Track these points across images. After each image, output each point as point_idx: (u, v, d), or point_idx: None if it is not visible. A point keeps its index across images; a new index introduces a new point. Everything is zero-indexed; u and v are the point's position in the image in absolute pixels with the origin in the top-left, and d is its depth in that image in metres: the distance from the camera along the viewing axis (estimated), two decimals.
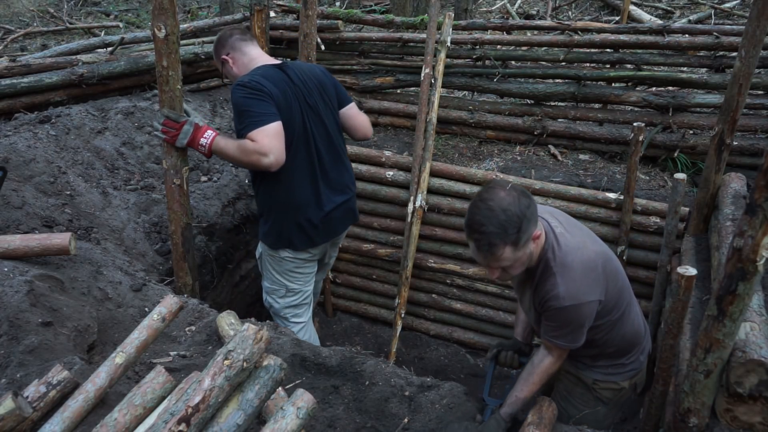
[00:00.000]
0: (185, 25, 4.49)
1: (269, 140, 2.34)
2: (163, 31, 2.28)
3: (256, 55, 2.66)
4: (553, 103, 4.31)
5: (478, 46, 4.27)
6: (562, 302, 1.85)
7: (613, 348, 2.13)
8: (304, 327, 2.98)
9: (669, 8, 8.07)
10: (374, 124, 4.70)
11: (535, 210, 1.80)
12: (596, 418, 2.24)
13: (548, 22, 4.31)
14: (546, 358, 2.01)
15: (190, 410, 1.23)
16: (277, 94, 2.45)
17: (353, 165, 3.36)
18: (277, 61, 2.69)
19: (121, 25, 8.39)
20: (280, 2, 5.05)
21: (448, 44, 3.95)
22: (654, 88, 4.02)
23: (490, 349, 2.35)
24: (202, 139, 2.46)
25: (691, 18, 7.42)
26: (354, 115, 2.86)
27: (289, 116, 2.49)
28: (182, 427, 1.21)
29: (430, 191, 3.82)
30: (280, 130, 2.40)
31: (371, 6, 9.00)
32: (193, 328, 2.17)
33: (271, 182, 2.57)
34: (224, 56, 2.62)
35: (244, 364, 1.30)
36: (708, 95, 3.84)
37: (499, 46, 4.28)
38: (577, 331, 1.93)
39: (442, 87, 4.01)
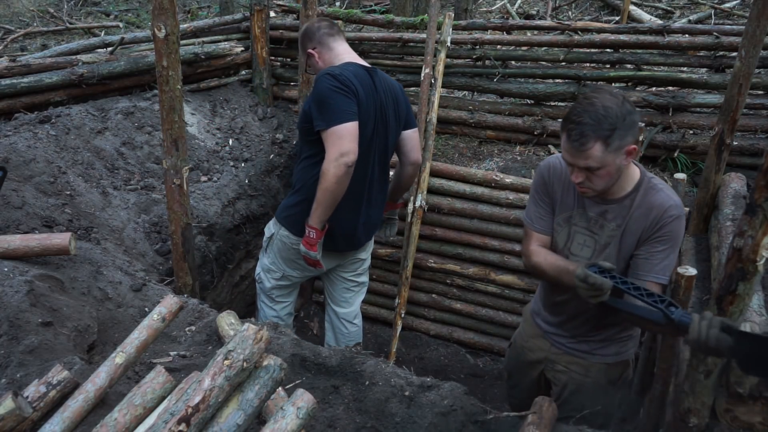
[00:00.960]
0: (185, 25, 4.49)
1: (347, 142, 2.35)
2: (163, 31, 2.28)
3: (342, 51, 2.66)
4: (553, 103, 4.31)
5: (478, 46, 4.27)
6: (680, 209, 1.85)
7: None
8: (287, 306, 3.06)
9: (669, 8, 8.07)
10: None
11: (636, 121, 1.79)
12: (609, 402, 2.22)
13: (548, 22, 4.31)
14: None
15: (190, 410, 1.23)
16: (362, 96, 2.46)
17: None
18: (365, 64, 2.67)
19: (121, 25, 8.39)
20: (280, 2, 5.05)
21: (448, 44, 3.95)
22: (654, 88, 4.02)
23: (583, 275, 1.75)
24: (312, 239, 2.55)
25: (691, 18, 7.42)
26: (414, 137, 2.85)
27: (365, 122, 2.50)
28: (182, 427, 1.21)
29: (430, 191, 3.82)
30: (356, 130, 2.41)
31: (371, 6, 9.00)
32: (193, 328, 2.17)
33: (320, 169, 2.46)
34: (310, 50, 2.63)
35: (244, 364, 1.30)
36: (708, 95, 3.84)
37: (499, 46, 4.28)
38: (677, 255, 1.91)
39: (442, 87, 4.01)
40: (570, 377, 2.24)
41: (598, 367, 2.18)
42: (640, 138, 3.10)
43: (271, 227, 2.89)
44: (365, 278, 3.17)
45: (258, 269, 3.02)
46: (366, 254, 3.05)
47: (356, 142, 2.39)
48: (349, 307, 3.18)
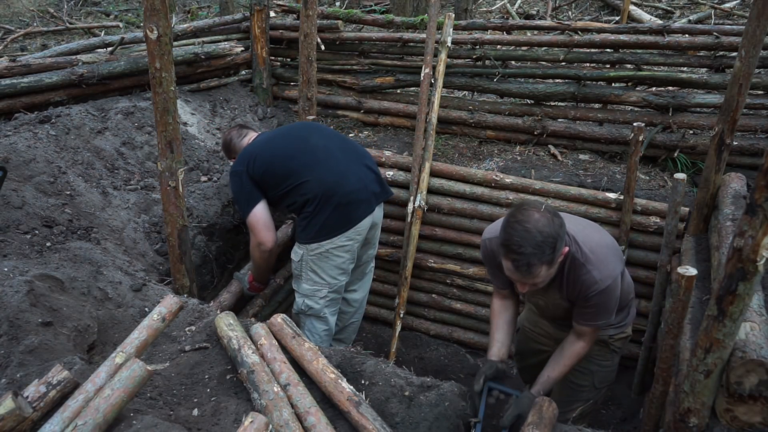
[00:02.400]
0: (185, 25, 4.49)
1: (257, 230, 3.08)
2: (156, 32, 2.27)
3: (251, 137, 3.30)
4: (553, 103, 4.31)
5: (478, 46, 4.27)
6: (602, 284, 2.04)
7: (624, 301, 2.32)
8: (336, 314, 3.24)
9: (669, 8, 8.07)
10: (374, 124, 4.70)
11: (564, 229, 1.94)
12: (613, 368, 2.54)
13: (548, 22, 4.31)
14: (578, 342, 2.22)
15: None
16: (272, 147, 3.10)
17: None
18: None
19: (121, 25, 8.39)
20: (280, 2, 5.05)
21: (449, 44, 3.95)
22: (654, 88, 4.02)
23: (476, 384, 2.11)
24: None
25: (691, 18, 7.42)
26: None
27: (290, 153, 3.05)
28: None
29: (430, 191, 3.82)
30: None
31: (371, 6, 9.00)
32: (193, 328, 2.17)
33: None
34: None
35: None
36: (708, 95, 3.84)
37: (499, 46, 4.28)
38: (614, 306, 2.14)
39: (443, 87, 4.01)
40: (582, 367, 2.46)
41: (601, 340, 2.42)
42: (640, 138, 3.10)
43: (297, 252, 3.04)
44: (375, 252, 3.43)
45: (298, 304, 3.14)
46: (380, 217, 3.21)
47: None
48: (363, 291, 3.47)
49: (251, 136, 3.20)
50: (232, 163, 3.10)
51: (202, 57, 4.31)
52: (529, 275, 1.91)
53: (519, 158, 4.15)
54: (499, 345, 2.31)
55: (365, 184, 3.00)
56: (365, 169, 3.05)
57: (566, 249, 1.99)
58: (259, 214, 2.91)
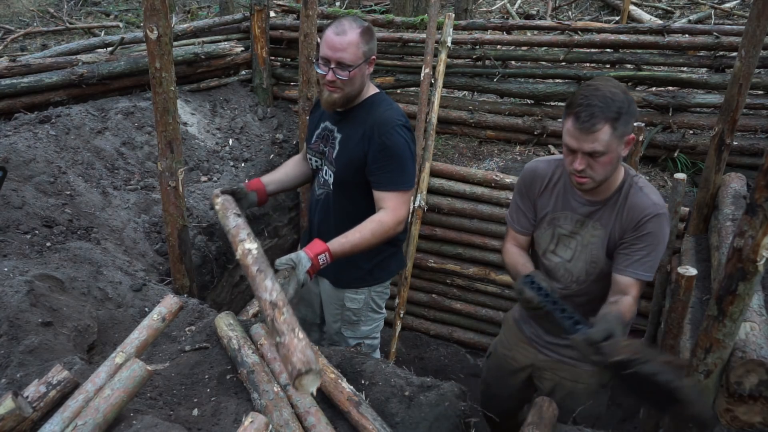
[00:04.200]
0: (185, 25, 4.49)
1: (407, 207, 2.17)
2: (156, 32, 2.27)
3: None
4: (553, 103, 4.31)
5: (478, 46, 4.27)
6: (660, 208, 1.84)
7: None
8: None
9: (669, 8, 8.07)
10: None
11: (636, 111, 1.80)
12: (599, 404, 2.18)
13: (548, 22, 4.31)
14: (622, 300, 1.83)
15: None
16: None
17: None
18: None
19: (121, 25, 8.39)
20: (280, 2, 5.05)
21: (449, 44, 3.95)
22: (654, 88, 4.02)
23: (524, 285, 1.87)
24: (322, 265, 2.01)
25: (691, 18, 7.42)
26: None
27: None
28: None
29: (430, 191, 3.83)
30: None
31: (371, 6, 9.00)
32: (193, 328, 2.17)
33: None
34: (373, 57, 2.11)
35: None
36: (708, 95, 3.84)
37: (499, 46, 4.28)
38: (662, 251, 1.87)
39: (443, 87, 4.01)
40: (559, 384, 2.17)
41: (590, 373, 2.10)
42: (640, 138, 3.10)
43: (356, 299, 2.43)
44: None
45: (362, 346, 2.53)
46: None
47: None
48: None
49: None
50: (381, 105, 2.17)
51: (202, 57, 4.31)
52: (590, 131, 1.70)
53: (519, 158, 4.14)
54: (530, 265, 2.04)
55: None
56: None
57: (632, 137, 1.79)
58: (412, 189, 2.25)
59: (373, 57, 2.09)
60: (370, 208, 2.17)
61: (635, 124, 3.07)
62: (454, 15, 4.03)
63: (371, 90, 2.21)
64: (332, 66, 1.99)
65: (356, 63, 2.00)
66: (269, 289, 1.53)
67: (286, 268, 1.87)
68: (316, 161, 2.32)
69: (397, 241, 2.40)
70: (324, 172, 2.29)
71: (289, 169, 2.45)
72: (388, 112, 2.14)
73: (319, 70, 2.04)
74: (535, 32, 6.42)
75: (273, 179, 2.38)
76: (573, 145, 1.76)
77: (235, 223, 1.88)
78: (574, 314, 1.73)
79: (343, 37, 1.97)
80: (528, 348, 2.23)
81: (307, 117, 3.78)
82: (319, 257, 1.97)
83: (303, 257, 1.91)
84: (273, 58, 4.77)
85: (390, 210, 2.10)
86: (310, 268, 1.93)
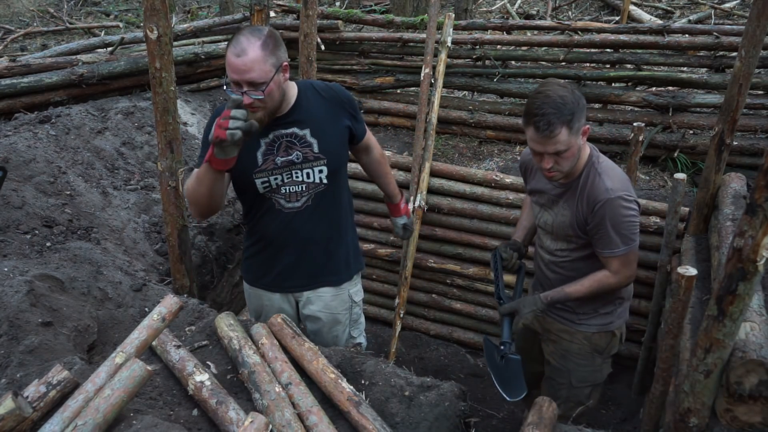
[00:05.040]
0: (185, 25, 4.49)
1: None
2: (156, 32, 2.27)
3: None
4: None
5: (478, 46, 4.27)
6: (612, 193, 2.04)
7: (611, 294, 2.30)
8: None
9: (669, 8, 8.07)
10: (374, 124, 4.70)
11: (584, 106, 2.00)
12: (593, 369, 2.43)
13: (548, 22, 4.31)
14: (602, 270, 2.18)
15: None
16: None
17: (354, 165, 3.35)
18: None
19: (121, 25, 8.39)
20: (280, 2, 5.05)
21: (449, 44, 3.95)
22: (654, 88, 4.02)
23: (493, 251, 2.50)
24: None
25: (691, 18, 7.42)
26: None
27: None
28: None
29: (430, 191, 3.82)
30: None
31: (371, 6, 9.00)
32: (193, 328, 2.17)
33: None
34: (285, 63, 1.98)
35: None
36: (708, 95, 3.85)
37: (499, 46, 4.28)
38: (629, 227, 2.08)
39: (443, 87, 4.01)
40: (558, 344, 2.46)
41: (583, 335, 2.38)
42: (640, 138, 3.10)
43: (359, 290, 2.47)
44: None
45: (361, 343, 2.58)
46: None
47: None
48: None
49: None
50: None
51: (202, 57, 4.31)
52: (550, 137, 1.94)
53: (519, 158, 4.15)
54: (524, 231, 2.54)
55: None
56: None
57: (587, 127, 2.04)
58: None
59: (285, 63, 1.94)
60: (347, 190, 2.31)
61: (637, 124, 3.09)
62: (454, 15, 4.03)
63: (291, 85, 2.08)
64: (244, 90, 1.85)
65: (267, 78, 1.86)
66: (234, 421, 1.50)
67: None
68: (274, 179, 2.09)
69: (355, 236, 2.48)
70: (297, 180, 2.11)
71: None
72: (329, 84, 2.23)
73: (233, 96, 1.85)
74: (535, 32, 6.42)
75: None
76: (538, 149, 2.03)
77: (178, 356, 1.78)
78: (501, 292, 2.38)
79: (245, 57, 1.82)
80: (539, 320, 2.57)
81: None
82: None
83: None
84: None
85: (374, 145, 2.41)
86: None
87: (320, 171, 2.12)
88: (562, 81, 2.05)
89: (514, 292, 2.46)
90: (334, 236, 2.26)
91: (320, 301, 2.34)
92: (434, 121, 3.81)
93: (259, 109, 1.91)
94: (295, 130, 2.07)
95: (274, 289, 2.33)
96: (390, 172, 2.50)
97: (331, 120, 2.14)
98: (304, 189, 2.13)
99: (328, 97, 2.16)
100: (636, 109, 4.06)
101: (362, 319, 2.58)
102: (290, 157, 2.07)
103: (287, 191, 2.12)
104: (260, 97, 1.87)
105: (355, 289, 2.43)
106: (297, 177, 2.10)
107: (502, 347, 2.24)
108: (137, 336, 1.64)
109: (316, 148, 2.09)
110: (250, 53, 1.83)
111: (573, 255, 2.29)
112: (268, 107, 1.94)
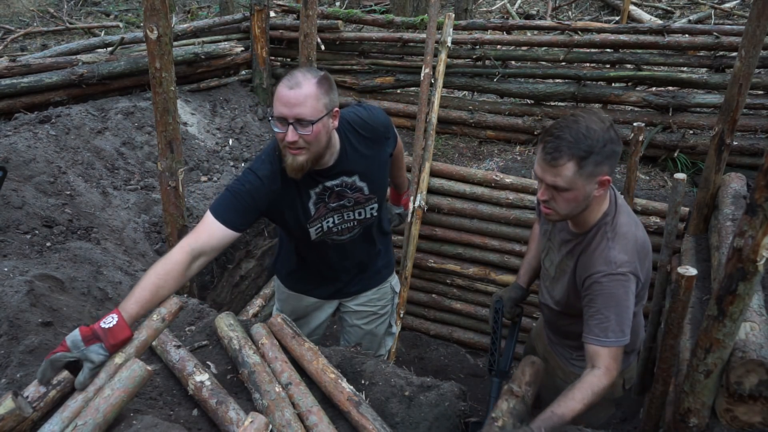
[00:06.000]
0: (185, 25, 4.49)
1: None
2: (156, 32, 2.27)
3: None
4: (553, 103, 4.31)
5: (478, 46, 4.27)
6: (613, 268, 1.69)
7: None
8: None
9: (669, 8, 8.07)
10: None
11: (617, 152, 1.65)
12: (591, 412, 2.01)
13: (548, 22, 4.31)
14: (591, 372, 1.69)
15: None
16: None
17: None
18: None
19: (121, 25, 8.39)
20: (280, 2, 5.05)
21: (449, 44, 3.95)
22: (654, 88, 4.02)
23: (496, 301, 2.18)
24: None
25: (691, 18, 7.42)
26: None
27: None
28: None
29: (430, 191, 3.82)
30: None
31: (371, 6, 9.00)
32: (193, 328, 2.17)
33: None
34: (336, 109, 1.88)
35: None
36: (708, 95, 3.85)
37: (499, 46, 4.28)
38: (625, 313, 1.69)
39: (443, 87, 4.01)
40: (552, 379, 2.17)
41: (576, 376, 1.95)
42: (640, 138, 3.10)
43: (390, 290, 2.52)
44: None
45: (389, 348, 2.77)
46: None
47: None
48: None
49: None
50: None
51: (202, 57, 4.31)
52: (552, 165, 1.61)
53: (519, 158, 4.15)
54: (528, 271, 2.21)
55: None
56: None
57: (607, 178, 1.65)
58: None
59: (336, 109, 1.84)
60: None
61: (637, 124, 3.09)
62: (454, 15, 4.03)
63: (335, 137, 1.95)
64: (291, 122, 1.74)
65: (317, 116, 1.75)
66: (234, 421, 1.50)
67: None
68: (326, 223, 2.07)
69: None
70: (348, 219, 2.10)
71: (157, 288, 1.69)
72: (363, 114, 2.06)
73: (277, 130, 1.78)
74: (535, 32, 6.42)
75: (138, 308, 1.65)
76: (538, 174, 1.70)
77: (178, 356, 1.77)
78: (498, 353, 2.06)
79: (299, 91, 1.73)
80: (544, 338, 2.34)
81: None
82: None
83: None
84: (273, 58, 4.77)
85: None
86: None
87: (371, 208, 2.13)
88: (608, 117, 1.67)
89: (505, 349, 2.10)
90: (381, 248, 2.36)
91: (364, 297, 2.44)
92: (434, 121, 3.81)
93: (302, 150, 1.78)
94: (344, 178, 2.01)
95: (326, 298, 2.42)
96: (404, 164, 2.43)
97: (376, 158, 2.07)
98: (355, 224, 2.13)
99: (369, 136, 2.04)
100: (636, 109, 4.06)
101: (392, 318, 2.65)
102: (342, 202, 2.05)
103: (339, 229, 2.12)
104: (308, 134, 1.75)
105: (395, 280, 2.52)
106: (348, 217, 2.10)
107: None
108: (137, 336, 1.64)
109: (366, 191, 2.06)
110: (305, 88, 1.74)
111: (567, 315, 1.96)
112: (312, 151, 1.81)
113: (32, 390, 1.50)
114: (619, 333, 1.71)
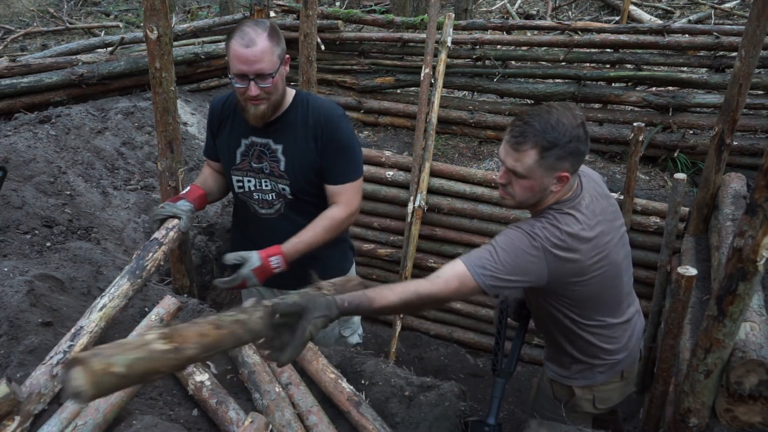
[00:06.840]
0: (185, 25, 4.50)
1: (360, 196, 2.16)
2: (156, 32, 2.26)
3: None
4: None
5: (478, 46, 4.27)
6: (527, 228, 1.65)
7: (569, 349, 1.91)
8: None
9: (669, 8, 8.07)
10: (374, 124, 4.70)
11: (582, 152, 1.65)
12: (555, 413, 2.03)
13: (548, 22, 4.31)
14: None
15: None
16: None
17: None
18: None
19: (121, 25, 8.39)
20: (280, 2, 5.05)
21: (449, 44, 3.95)
22: (654, 88, 4.02)
23: (500, 303, 2.16)
24: (275, 269, 1.93)
25: (691, 18, 7.42)
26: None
27: None
28: None
29: (430, 191, 3.82)
30: None
31: (371, 6, 9.00)
32: None
33: None
34: (287, 56, 2.00)
35: None
36: (708, 95, 3.85)
37: (499, 46, 4.28)
38: (497, 254, 1.62)
39: (443, 87, 4.02)
40: (540, 376, 2.24)
41: (549, 380, 2.08)
42: (640, 138, 3.10)
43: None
44: None
45: (358, 339, 2.65)
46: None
47: None
48: None
49: None
50: None
51: (202, 57, 4.31)
52: (515, 149, 1.62)
53: None
54: None
55: None
56: None
57: (566, 175, 1.64)
58: None
59: (287, 56, 1.95)
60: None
61: (637, 124, 3.09)
62: (454, 15, 4.03)
63: (289, 90, 2.07)
64: (252, 78, 1.84)
65: (275, 69, 1.87)
66: (234, 421, 1.50)
67: (235, 262, 1.89)
68: (248, 181, 2.13)
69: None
70: (267, 189, 2.11)
71: (211, 183, 2.24)
72: (326, 106, 2.07)
73: (238, 85, 1.88)
74: (535, 32, 6.42)
75: (206, 190, 2.18)
76: (501, 156, 1.70)
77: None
78: (501, 353, 2.01)
79: (255, 48, 1.82)
80: None
81: None
82: (271, 259, 1.89)
83: (253, 255, 1.87)
84: None
85: (343, 204, 2.06)
86: (258, 268, 1.87)
87: (282, 189, 2.10)
88: (581, 115, 1.67)
89: (511, 350, 2.07)
90: (319, 254, 2.13)
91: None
92: (434, 121, 3.81)
93: (263, 101, 1.91)
94: (270, 142, 2.05)
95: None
96: (317, 233, 2.02)
97: (306, 143, 2.04)
98: (274, 197, 2.12)
99: (314, 120, 2.03)
100: (636, 109, 4.06)
101: (355, 318, 2.55)
102: (261, 165, 2.09)
103: (259, 198, 2.14)
104: (268, 86, 1.87)
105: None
106: (266, 186, 2.11)
107: (486, 429, 1.76)
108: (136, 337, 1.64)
109: (282, 167, 2.06)
110: (259, 43, 1.82)
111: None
112: (272, 100, 1.93)
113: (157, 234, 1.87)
114: (477, 260, 1.63)
